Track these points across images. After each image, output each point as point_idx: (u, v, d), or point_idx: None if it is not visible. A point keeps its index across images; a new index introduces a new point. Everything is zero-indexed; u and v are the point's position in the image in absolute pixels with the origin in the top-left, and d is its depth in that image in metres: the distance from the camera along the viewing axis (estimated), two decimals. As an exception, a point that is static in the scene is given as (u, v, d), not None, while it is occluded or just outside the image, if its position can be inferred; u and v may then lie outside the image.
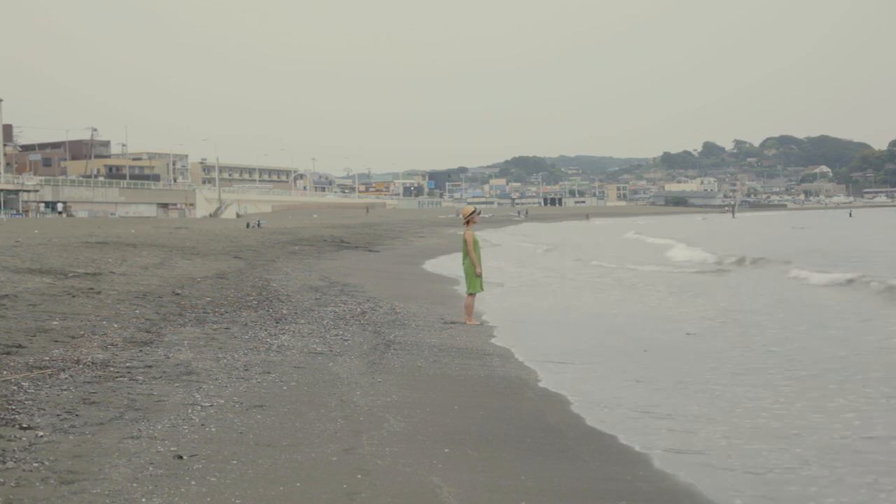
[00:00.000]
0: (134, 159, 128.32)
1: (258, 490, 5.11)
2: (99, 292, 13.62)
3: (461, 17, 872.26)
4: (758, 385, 8.95)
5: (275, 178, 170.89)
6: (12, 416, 6.29)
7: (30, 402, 6.75)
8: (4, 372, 7.66)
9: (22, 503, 4.67)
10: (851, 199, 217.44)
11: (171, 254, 22.76)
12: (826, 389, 8.72)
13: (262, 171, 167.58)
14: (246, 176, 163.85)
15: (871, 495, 5.68)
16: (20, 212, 74.47)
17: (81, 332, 10.01)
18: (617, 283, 21.28)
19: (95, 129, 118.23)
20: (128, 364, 8.47)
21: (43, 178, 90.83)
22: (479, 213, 14.02)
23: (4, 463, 5.27)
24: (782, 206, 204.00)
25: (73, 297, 12.86)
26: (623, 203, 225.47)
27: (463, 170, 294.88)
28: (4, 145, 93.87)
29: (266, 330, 11.34)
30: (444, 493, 5.27)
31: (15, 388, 7.15)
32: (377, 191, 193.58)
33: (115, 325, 10.78)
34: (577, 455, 6.43)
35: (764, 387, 8.86)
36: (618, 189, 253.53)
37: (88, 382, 7.54)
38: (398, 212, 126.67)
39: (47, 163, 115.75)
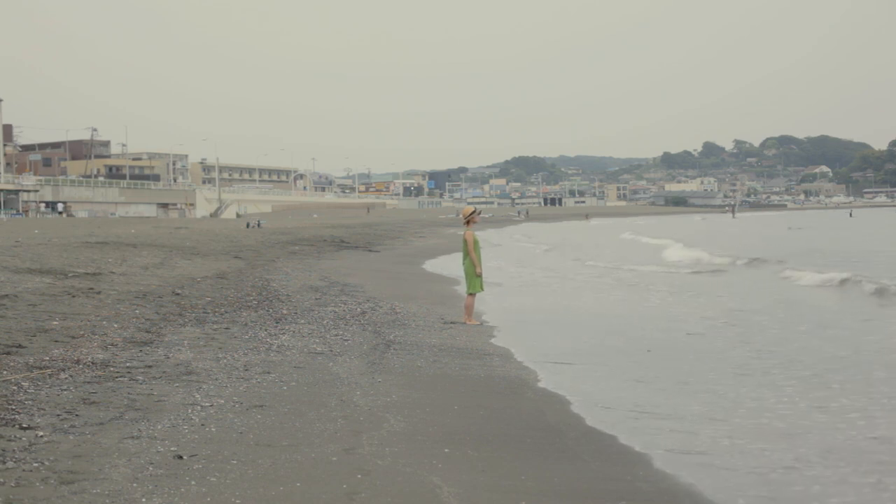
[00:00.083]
0: (134, 159, 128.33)
1: (258, 490, 5.10)
2: (99, 292, 13.61)
3: (461, 17, 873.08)
4: (760, 385, 8.93)
5: (275, 178, 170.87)
6: (12, 416, 6.28)
7: (30, 402, 6.74)
8: (4, 372, 7.66)
9: (22, 503, 4.66)
10: (851, 199, 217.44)
11: (171, 254, 22.76)
12: (829, 389, 8.71)
13: (261, 171, 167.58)
14: (246, 176, 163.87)
15: (875, 495, 5.67)
16: (20, 212, 74.49)
17: (81, 332, 10.00)
18: (617, 283, 21.29)
19: (95, 129, 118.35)
20: (128, 364, 8.46)
21: (43, 178, 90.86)
22: (480, 214, 14.00)
23: (4, 463, 5.25)
24: (782, 206, 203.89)
25: (73, 297, 12.85)
26: (623, 203, 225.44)
27: (463, 170, 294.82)
28: (4, 145, 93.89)
29: (266, 330, 11.32)
30: (444, 493, 5.26)
31: (15, 388, 7.14)
32: (377, 191, 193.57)
33: (115, 325, 10.77)
34: (577, 455, 6.42)
35: (766, 387, 8.85)
36: (618, 189, 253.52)
37: (88, 382, 7.53)
38: (398, 212, 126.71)
39: (47, 163, 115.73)
